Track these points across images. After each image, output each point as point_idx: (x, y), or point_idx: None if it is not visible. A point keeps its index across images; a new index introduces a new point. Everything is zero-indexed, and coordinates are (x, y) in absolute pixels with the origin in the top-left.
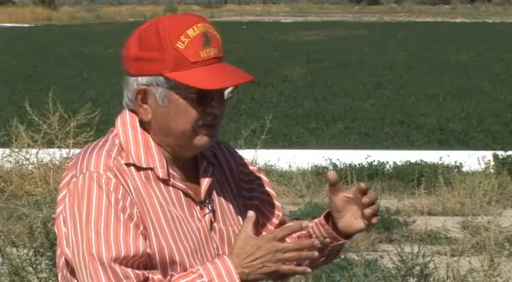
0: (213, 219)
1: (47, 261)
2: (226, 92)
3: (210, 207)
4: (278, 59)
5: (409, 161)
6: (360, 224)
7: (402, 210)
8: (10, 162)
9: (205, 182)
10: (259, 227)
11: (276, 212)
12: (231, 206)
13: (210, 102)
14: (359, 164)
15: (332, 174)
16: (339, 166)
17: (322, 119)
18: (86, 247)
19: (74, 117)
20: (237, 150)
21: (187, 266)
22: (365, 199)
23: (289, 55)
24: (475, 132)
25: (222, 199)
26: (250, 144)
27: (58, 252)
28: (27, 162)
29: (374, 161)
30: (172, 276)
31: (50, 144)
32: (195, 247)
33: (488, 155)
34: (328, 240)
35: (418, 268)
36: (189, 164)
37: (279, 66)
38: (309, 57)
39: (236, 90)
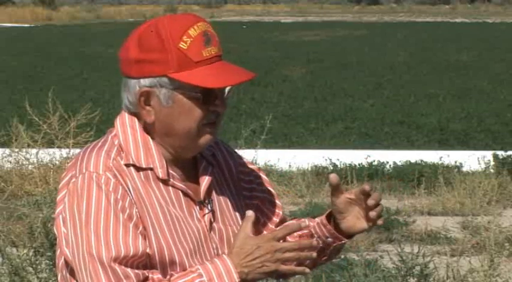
0: (212, 220)
1: (47, 261)
2: (226, 90)
3: (209, 208)
4: (278, 59)
5: (409, 161)
6: (363, 224)
7: (402, 210)
8: (10, 162)
9: (204, 182)
10: (259, 226)
11: (277, 210)
12: (230, 206)
13: (213, 101)
14: (359, 164)
15: (334, 177)
16: (339, 166)
17: (322, 119)
18: (85, 247)
19: (74, 117)
20: (237, 150)
21: (187, 266)
22: (370, 201)
23: (289, 55)
24: (475, 132)
25: (222, 199)
26: (250, 144)
27: (58, 252)
28: (27, 162)
29: (374, 161)
30: (171, 275)
31: (50, 144)
32: (195, 247)
33: (488, 155)
34: (330, 240)
35: (418, 268)
36: (188, 164)
37: (279, 66)
38: (309, 57)
39: (235, 89)
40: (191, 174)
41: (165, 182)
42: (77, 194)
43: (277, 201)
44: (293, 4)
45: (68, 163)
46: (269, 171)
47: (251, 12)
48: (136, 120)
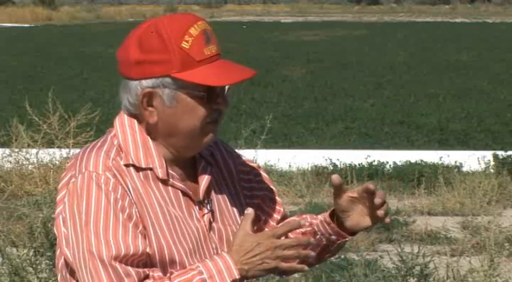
0: (212, 219)
1: (47, 261)
2: (226, 88)
3: (208, 207)
4: (278, 59)
5: (409, 161)
6: (367, 221)
7: (402, 210)
8: (10, 162)
9: (203, 182)
10: (260, 224)
11: (277, 207)
12: (229, 205)
13: (216, 99)
14: (359, 164)
15: (336, 178)
16: (339, 166)
17: (322, 119)
18: (85, 246)
19: (74, 117)
20: (237, 150)
21: (187, 266)
22: (377, 200)
23: (289, 55)
24: (475, 132)
25: (221, 199)
26: (250, 144)
27: (57, 252)
28: (27, 162)
29: (374, 161)
30: (172, 273)
31: (50, 144)
32: (194, 247)
33: (488, 155)
34: (334, 237)
35: (418, 268)
36: (187, 164)
37: (279, 66)
38: (309, 57)
39: (235, 89)
40: (190, 174)
41: (165, 182)
42: (77, 194)
43: (277, 198)
44: (293, 4)
45: (68, 163)
46: (269, 171)
47: (251, 12)
48: (135, 121)
